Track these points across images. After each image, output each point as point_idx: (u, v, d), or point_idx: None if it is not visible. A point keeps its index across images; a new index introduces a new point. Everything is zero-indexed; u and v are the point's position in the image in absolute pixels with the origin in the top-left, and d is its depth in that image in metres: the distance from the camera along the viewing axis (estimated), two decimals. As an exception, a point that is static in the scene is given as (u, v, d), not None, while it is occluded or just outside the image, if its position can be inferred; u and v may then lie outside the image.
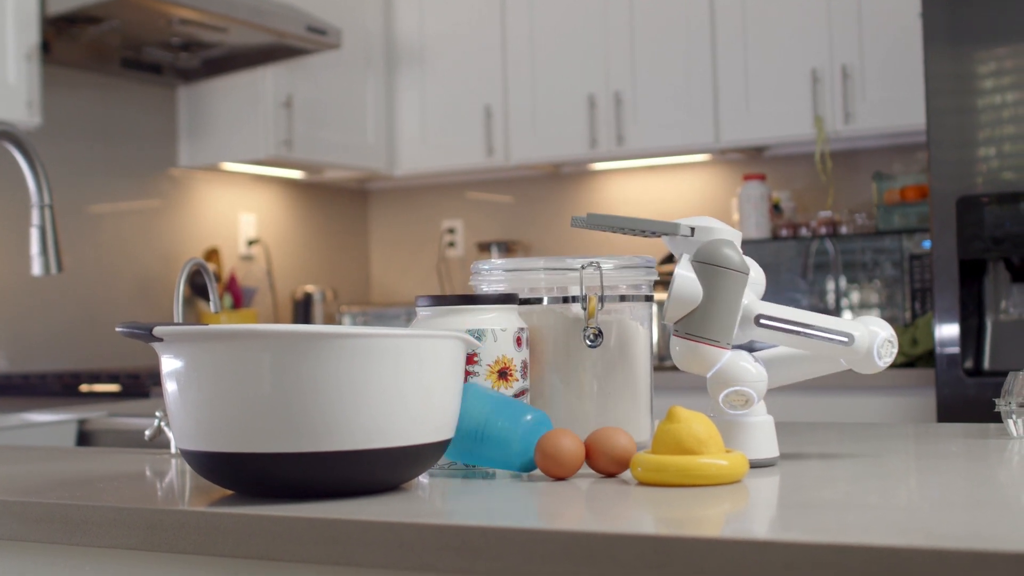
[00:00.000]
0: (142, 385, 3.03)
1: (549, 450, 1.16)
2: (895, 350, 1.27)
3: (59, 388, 3.11)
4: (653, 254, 3.66)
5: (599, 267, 1.32)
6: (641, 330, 1.37)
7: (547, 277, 1.36)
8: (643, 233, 1.26)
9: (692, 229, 1.25)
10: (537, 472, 1.20)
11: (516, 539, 0.90)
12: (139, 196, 3.72)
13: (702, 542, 0.85)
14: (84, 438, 2.21)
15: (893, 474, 1.21)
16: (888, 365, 1.27)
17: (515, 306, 1.32)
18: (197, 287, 3.75)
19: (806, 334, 1.26)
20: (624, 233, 1.27)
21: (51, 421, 2.18)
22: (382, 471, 1.07)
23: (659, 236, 1.27)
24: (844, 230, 3.59)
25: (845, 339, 1.25)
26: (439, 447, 1.11)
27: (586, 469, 1.20)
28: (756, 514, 1.04)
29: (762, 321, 1.26)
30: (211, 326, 1.06)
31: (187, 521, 1.02)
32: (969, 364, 2.83)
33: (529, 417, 1.19)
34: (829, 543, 0.82)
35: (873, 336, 1.26)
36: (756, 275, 1.27)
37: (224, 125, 3.78)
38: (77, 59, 3.44)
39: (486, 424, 1.19)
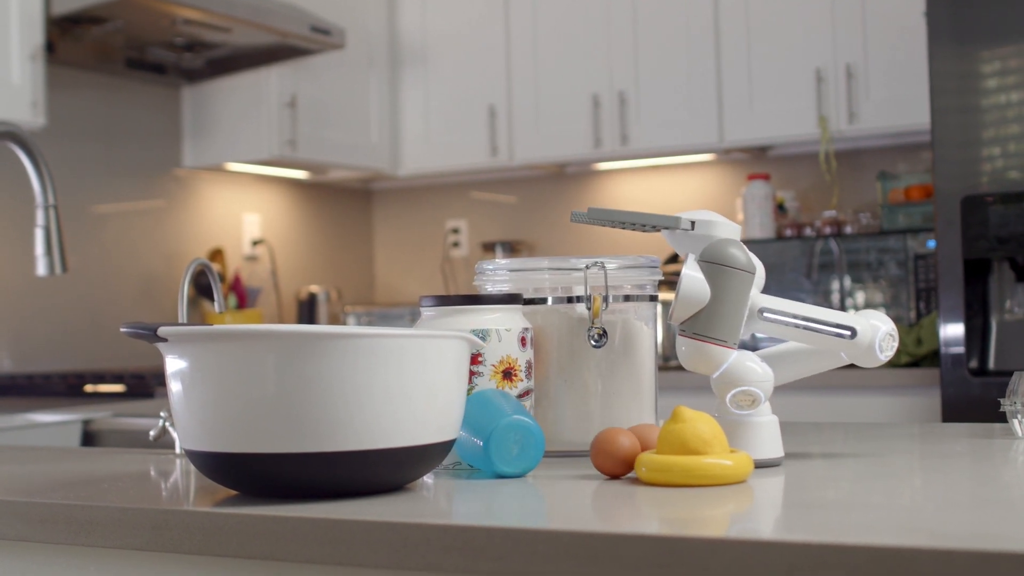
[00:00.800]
0: (146, 385, 3.04)
1: (608, 448, 1.15)
2: (896, 344, 1.27)
3: (63, 388, 3.12)
4: (657, 253, 3.66)
5: (603, 267, 1.32)
6: (645, 330, 1.37)
7: (551, 277, 1.36)
8: (644, 227, 1.26)
9: (692, 223, 1.25)
10: (539, 472, 1.20)
11: (520, 539, 0.90)
12: (143, 196, 3.73)
13: (706, 542, 0.85)
14: (89, 438, 2.21)
15: (898, 474, 1.21)
16: (889, 359, 1.27)
17: (519, 306, 1.32)
18: (201, 287, 3.75)
19: (809, 327, 1.26)
20: (625, 227, 1.27)
21: (55, 421, 2.18)
22: (386, 471, 1.07)
23: (659, 230, 1.26)
24: (848, 230, 3.58)
25: (847, 332, 1.25)
26: (443, 447, 1.11)
27: (589, 467, 1.20)
28: (761, 514, 1.04)
29: (766, 315, 1.26)
30: (216, 326, 1.06)
31: (192, 521, 1.02)
32: (974, 364, 2.83)
33: (504, 421, 1.16)
34: (833, 543, 0.82)
35: (875, 330, 1.26)
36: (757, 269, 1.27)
37: (228, 125, 3.78)
38: (81, 59, 3.44)
39: (473, 424, 1.19)
